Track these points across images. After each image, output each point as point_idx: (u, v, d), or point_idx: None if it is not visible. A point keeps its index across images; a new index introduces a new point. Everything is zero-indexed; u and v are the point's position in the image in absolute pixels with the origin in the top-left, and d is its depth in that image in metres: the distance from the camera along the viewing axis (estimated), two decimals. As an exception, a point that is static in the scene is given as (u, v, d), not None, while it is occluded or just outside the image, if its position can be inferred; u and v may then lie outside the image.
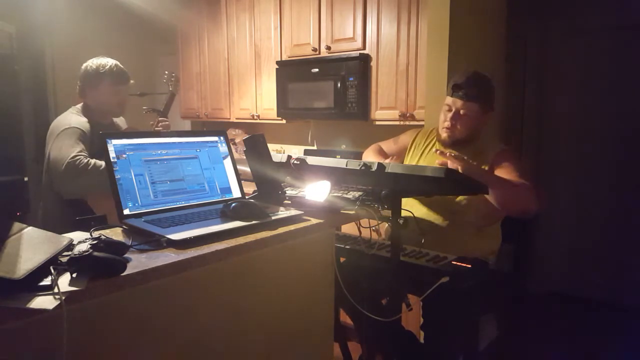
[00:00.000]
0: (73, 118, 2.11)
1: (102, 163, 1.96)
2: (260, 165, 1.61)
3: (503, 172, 1.80)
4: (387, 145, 2.24)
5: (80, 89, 2.19)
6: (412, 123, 2.77)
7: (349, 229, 1.83)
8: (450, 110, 1.90)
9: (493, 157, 1.88)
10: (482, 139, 1.97)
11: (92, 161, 1.95)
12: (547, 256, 3.50)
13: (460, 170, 1.65)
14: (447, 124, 1.91)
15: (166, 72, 2.58)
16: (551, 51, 3.35)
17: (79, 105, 2.20)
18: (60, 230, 1.16)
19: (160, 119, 2.39)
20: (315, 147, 3.73)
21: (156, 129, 2.33)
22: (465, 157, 1.69)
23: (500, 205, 1.75)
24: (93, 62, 2.17)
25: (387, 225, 1.75)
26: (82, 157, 1.94)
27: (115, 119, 2.32)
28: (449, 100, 1.90)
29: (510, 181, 1.74)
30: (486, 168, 1.85)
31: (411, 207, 1.87)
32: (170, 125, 2.42)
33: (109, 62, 2.18)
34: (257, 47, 3.59)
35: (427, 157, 2.03)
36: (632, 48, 3.13)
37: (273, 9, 3.43)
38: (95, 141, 2.08)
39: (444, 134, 1.94)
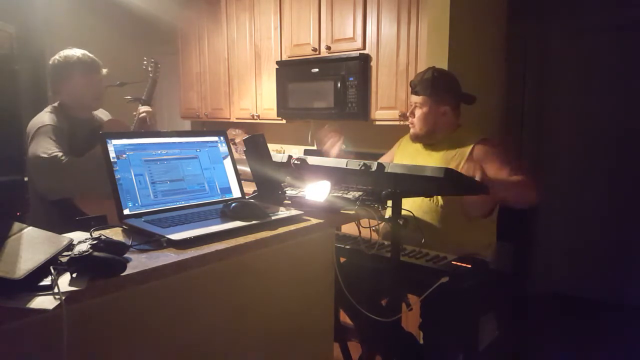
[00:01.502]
0: (46, 116, 2.04)
1: (80, 161, 1.91)
2: (260, 165, 1.61)
3: (492, 167, 1.80)
4: (382, 160, 2.28)
5: (51, 85, 2.10)
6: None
7: (349, 229, 1.83)
8: (410, 108, 2.03)
9: (473, 146, 1.90)
10: (458, 132, 1.99)
11: (70, 160, 1.90)
12: (547, 256, 3.50)
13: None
14: (409, 120, 2.03)
15: (145, 58, 2.47)
16: (551, 51, 3.35)
17: (55, 104, 2.12)
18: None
19: (142, 107, 2.29)
20: (315, 147, 3.73)
21: (140, 117, 2.24)
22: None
23: (505, 203, 1.80)
24: (60, 55, 2.07)
25: (383, 224, 1.76)
26: (57, 154, 1.88)
27: (95, 112, 2.23)
28: (410, 99, 2.06)
29: (509, 181, 1.75)
30: (465, 155, 1.88)
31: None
32: (153, 112, 2.29)
33: (76, 52, 2.07)
34: (257, 47, 3.59)
35: (410, 156, 2.09)
36: (632, 48, 3.13)
37: (273, 9, 3.42)
38: (75, 138, 2.02)
39: (410, 131, 2.05)
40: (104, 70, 2.17)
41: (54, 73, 2.08)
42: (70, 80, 2.06)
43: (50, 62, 2.08)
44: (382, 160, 2.29)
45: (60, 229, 1.19)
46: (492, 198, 1.75)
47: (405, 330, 1.89)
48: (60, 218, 1.91)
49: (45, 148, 1.90)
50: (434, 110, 1.95)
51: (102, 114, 2.31)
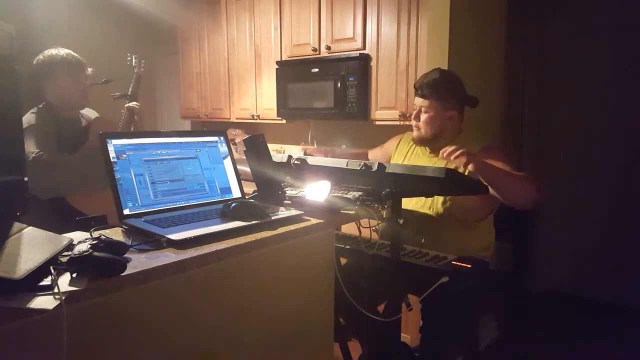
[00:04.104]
0: (31, 117, 2.02)
1: (65, 159, 1.91)
2: (260, 165, 1.61)
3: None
4: (373, 153, 2.30)
5: (35, 85, 2.07)
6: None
7: (349, 229, 1.83)
8: (415, 109, 1.99)
9: (477, 153, 1.87)
10: (461, 139, 1.96)
11: (52, 158, 1.90)
12: (547, 256, 3.50)
13: (464, 163, 1.63)
14: (414, 122, 1.99)
15: (129, 55, 2.46)
16: (551, 51, 3.35)
17: (41, 105, 2.10)
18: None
19: (129, 103, 2.29)
20: (315, 147, 3.73)
21: (127, 111, 2.25)
22: (465, 150, 1.66)
23: (506, 198, 1.72)
24: (44, 54, 2.06)
25: (383, 224, 1.76)
26: (40, 154, 1.88)
27: (82, 111, 2.24)
28: (414, 100, 2.00)
29: (512, 173, 1.72)
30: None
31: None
32: (140, 107, 2.29)
33: (61, 51, 2.08)
34: (257, 47, 3.59)
35: (410, 160, 2.08)
36: (632, 48, 3.13)
37: (273, 9, 3.42)
38: (63, 137, 2.02)
39: (413, 134, 2.02)
40: (89, 70, 2.15)
41: (37, 72, 2.06)
42: (55, 80, 2.05)
43: (34, 61, 2.06)
44: (373, 153, 2.29)
45: (56, 228, 1.19)
46: (499, 193, 1.68)
47: (400, 340, 1.89)
48: (54, 217, 1.93)
49: (28, 150, 1.88)
50: (440, 115, 1.91)
51: (89, 112, 2.30)
